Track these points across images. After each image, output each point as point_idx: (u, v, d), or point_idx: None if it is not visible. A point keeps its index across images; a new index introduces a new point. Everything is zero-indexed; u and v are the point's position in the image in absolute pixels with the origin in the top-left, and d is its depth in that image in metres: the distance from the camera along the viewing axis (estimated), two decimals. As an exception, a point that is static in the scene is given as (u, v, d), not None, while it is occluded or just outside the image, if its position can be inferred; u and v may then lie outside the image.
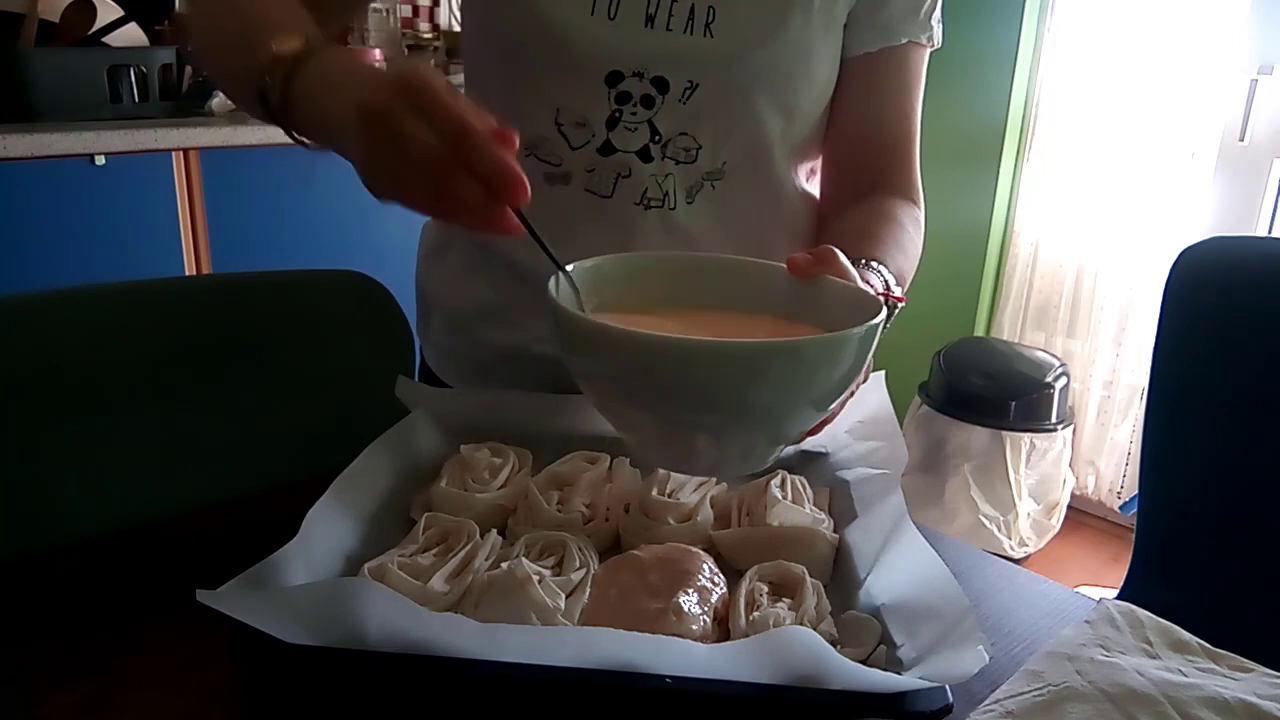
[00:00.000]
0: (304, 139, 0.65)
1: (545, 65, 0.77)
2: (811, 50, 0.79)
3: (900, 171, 0.87)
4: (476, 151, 0.49)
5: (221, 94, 2.02)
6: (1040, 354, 2.45)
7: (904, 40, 0.83)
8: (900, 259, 0.77)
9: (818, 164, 0.90)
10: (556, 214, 0.81)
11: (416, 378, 0.99)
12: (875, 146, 0.87)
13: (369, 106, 0.51)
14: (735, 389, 0.51)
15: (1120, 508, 2.57)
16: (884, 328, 0.72)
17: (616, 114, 0.78)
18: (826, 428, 0.80)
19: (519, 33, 0.77)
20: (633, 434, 0.60)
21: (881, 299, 0.57)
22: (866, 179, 0.86)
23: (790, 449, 0.80)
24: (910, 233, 0.82)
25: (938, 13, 0.84)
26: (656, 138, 0.79)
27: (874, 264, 0.72)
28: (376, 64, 0.61)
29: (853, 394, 0.60)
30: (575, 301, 0.59)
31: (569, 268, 0.61)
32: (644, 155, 0.80)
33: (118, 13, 1.98)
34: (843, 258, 0.61)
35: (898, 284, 0.73)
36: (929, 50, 0.86)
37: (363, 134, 0.52)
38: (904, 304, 0.73)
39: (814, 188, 0.90)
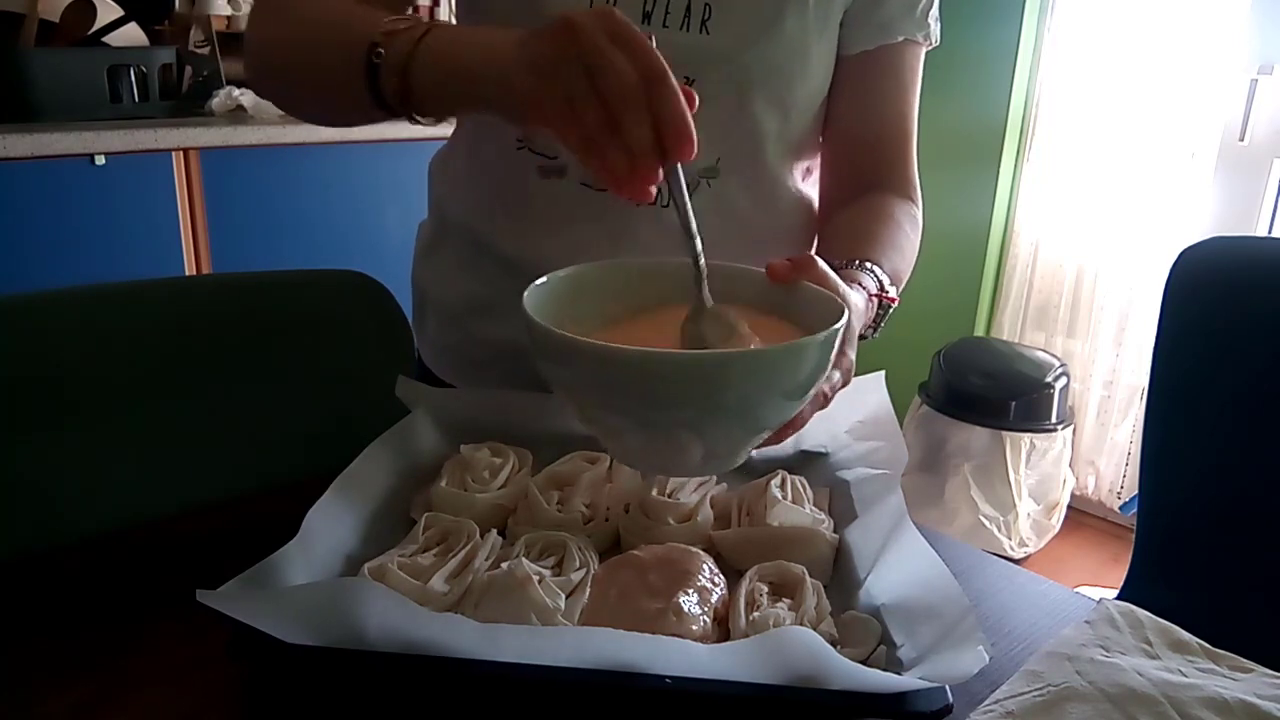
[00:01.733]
0: (417, 114, 0.63)
1: None
2: (807, 47, 0.79)
3: (898, 170, 0.87)
4: (668, 94, 0.49)
5: (222, 95, 2.02)
6: (1040, 354, 2.45)
7: (901, 38, 0.83)
8: (896, 259, 0.77)
9: (814, 164, 0.90)
10: (550, 207, 0.81)
11: (415, 376, 0.99)
12: (873, 145, 0.87)
13: (569, 20, 0.50)
14: (702, 396, 0.52)
15: (1120, 508, 2.57)
16: (879, 327, 0.73)
17: None
18: (827, 428, 0.80)
19: (516, 27, 0.77)
20: (614, 442, 0.61)
21: (843, 304, 0.57)
22: (865, 178, 0.87)
23: (790, 449, 0.81)
24: (907, 231, 0.82)
25: (935, 10, 0.84)
26: None
27: (868, 265, 0.72)
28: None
29: (832, 391, 0.60)
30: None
31: (542, 279, 0.61)
32: None
33: (118, 13, 1.99)
34: (822, 264, 0.61)
35: (892, 284, 0.73)
36: (925, 48, 0.86)
37: (550, 46, 0.51)
38: (897, 304, 0.73)
39: (809, 189, 0.91)
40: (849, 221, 0.83)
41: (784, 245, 0.88)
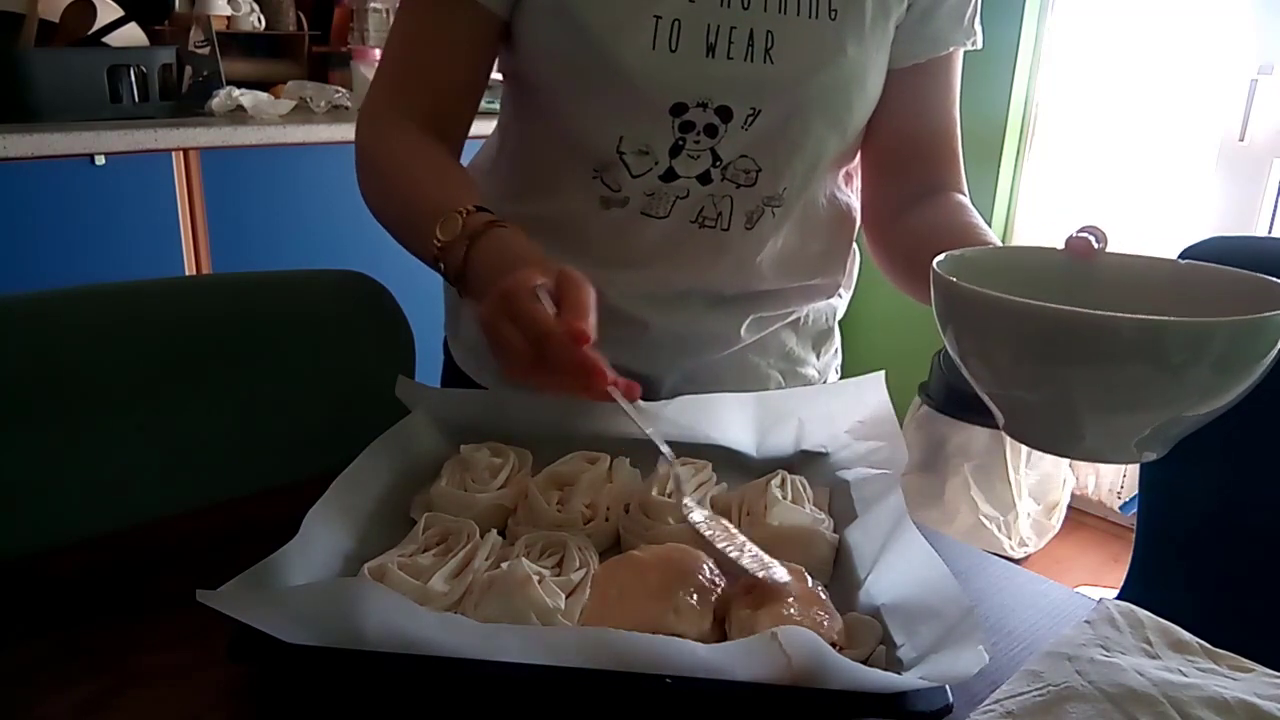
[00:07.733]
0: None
1: (609, 97, 0.77)
2: (867, 70, 0.80)
3: (952, 169, 0.88)
4: (553, 352, 0.58)
5: (222, 95, 2.03)
6: (1040, 354, 2.44)
7: (951, 48, 0.84)
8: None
9: (852, 169, 0.91)
10: (609, 230, 0.82)
11: (440, 380, 0.99)
12: (928, 147, 0.87)
13: (481, 320, 0.61)
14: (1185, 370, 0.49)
15: (1120, 508, 2.56)
16: None
17: (680, 143, 0.78)
18: (827, 428, 0.80)
19: (581, 66, 0.76)
20: (1021, 414, 0.58)
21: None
22: (919, 180, 0.87)
23: (790, 449, 0.81)
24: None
25: (979, 15, 0.85)
26: (717, 162, 0.79)
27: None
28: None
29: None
30: None
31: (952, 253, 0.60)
32: (704, 179, 0.80)
33: (118, 13, 1.99)
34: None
35: None
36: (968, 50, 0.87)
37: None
38: None
39: (848, 194, 0.91)
40: (941, 219, 0.82)
41: (825, 251, 0.90)
